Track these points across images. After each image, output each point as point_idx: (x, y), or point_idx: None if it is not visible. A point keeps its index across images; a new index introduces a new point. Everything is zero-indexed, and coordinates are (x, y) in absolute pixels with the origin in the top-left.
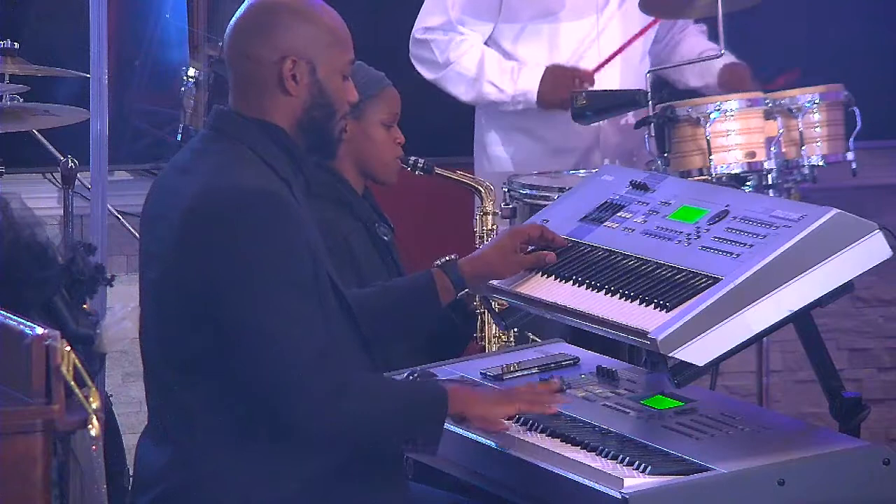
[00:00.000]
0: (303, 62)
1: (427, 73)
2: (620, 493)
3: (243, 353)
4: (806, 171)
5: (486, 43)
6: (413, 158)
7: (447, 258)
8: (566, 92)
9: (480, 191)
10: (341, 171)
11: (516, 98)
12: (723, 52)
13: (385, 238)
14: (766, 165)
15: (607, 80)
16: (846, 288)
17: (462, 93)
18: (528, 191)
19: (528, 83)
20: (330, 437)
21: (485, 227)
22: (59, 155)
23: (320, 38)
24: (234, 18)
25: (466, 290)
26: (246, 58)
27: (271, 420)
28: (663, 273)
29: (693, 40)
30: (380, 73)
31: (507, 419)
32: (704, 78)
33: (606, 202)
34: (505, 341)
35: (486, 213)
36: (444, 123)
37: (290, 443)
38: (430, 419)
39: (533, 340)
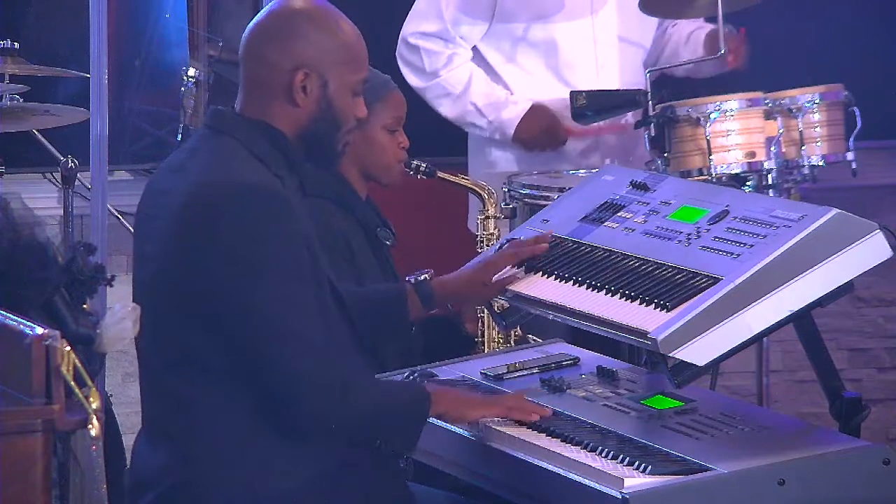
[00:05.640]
0: (315, 75)
1: (413, 80)
2: (620, 493)
3: (249, 346)
4: (806, 171)
5: (481, 45)
6: (416, 162)
7: (421, 277)
8: (542, 136)
9: (483, 195)
10: (345, 175)
11: (493, 125)
12: (722, 52)
13: (387, 242)
14: (766, 165)
15: (607, 81)
16: (846, 288)
17: (444, 108)
18: (528, 191)
19: (508, 116)
20: (336, 432)
21: (485, 231)
22: (59, 155)
23: (337, 53)
24: (254, 19)
25: (435, 310)
26: (259, 61)
27: (277, 413)
28: (663, 273)
29: (683, 23)
30: (385, 77)
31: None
32: (694, 51)
33: (606, 202)
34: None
35: (487, 217)
36: (440, 123)
37: (294, 438)
38: (412, 421)
39: (533, 340)
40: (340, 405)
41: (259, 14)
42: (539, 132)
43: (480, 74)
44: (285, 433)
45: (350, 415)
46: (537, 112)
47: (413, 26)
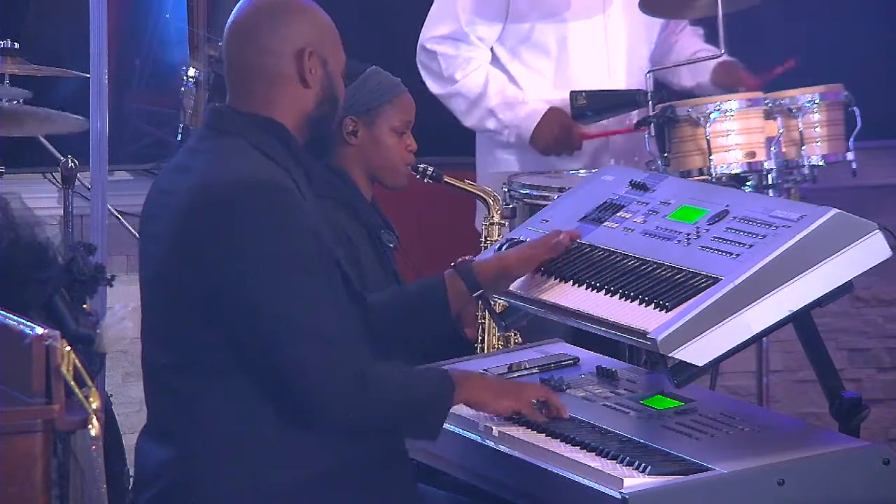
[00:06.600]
0: (316, 55)
1: (432, 86)
2: (620, 493)
3: (258, 341)
4: (806, 171)
5: (495, 47)
6: (423, 166)
7: (462, 259)
8: (558, 140)
9: (488, 201)
10: (350, 176)
11: (509, 129)
12: (722, 52)
13: (390, 245)
14: (766, 165)
15: (613, 81)
16: (846, 288)
17: (462, 113)
18: (528, 191)
19: (524, 118)
20: (355, 423)
21: (490, 238)
22: (59, 155)
23: (326, 34)
24: (235, 15)
25: (481, 290)
26: (259, 51)
27: (292, 407)
28: (663, 273)
29: (688, 40)
30: (395, 79)
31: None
32: (696, 77)
33: (606, 202)
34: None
35: (492, 224)
36: (449, 123)
37: (301, 433)
38: (436, 408)
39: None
40: (358, 394)
41: (236, 13)
42: (555, 137)
43: (497, 77)
44: (303, 427)
45: (369, 403)
46: (553, 116)
47: (429, 31)
